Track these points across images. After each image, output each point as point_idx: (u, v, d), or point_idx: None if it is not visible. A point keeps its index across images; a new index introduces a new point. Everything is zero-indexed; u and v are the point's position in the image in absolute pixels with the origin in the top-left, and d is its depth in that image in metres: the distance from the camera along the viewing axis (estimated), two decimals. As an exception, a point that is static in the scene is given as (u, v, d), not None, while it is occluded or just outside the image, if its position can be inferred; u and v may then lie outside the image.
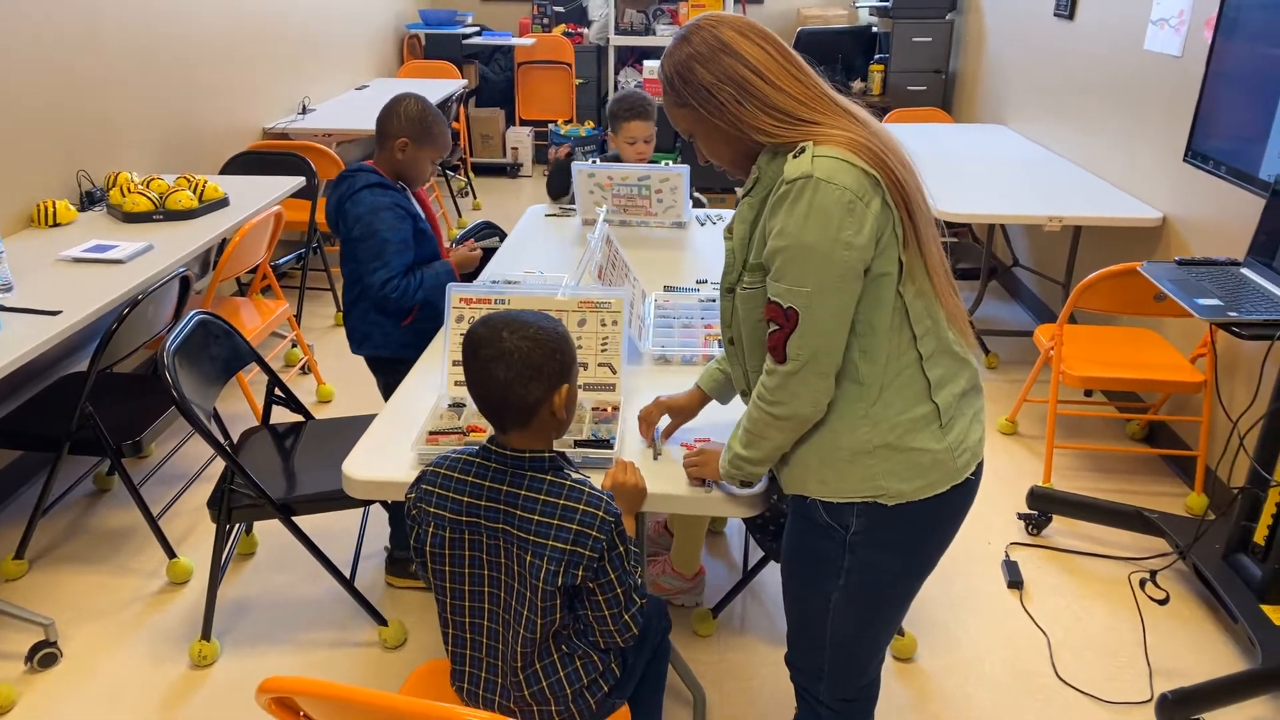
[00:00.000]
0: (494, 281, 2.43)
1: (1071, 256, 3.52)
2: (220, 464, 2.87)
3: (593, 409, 1.78)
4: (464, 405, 1.80)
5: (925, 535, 1.45)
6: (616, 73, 6.86)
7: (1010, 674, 2.21)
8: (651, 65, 5.88)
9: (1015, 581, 2.50)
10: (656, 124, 2.97)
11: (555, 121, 6.80)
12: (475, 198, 6.09)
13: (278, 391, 2.47)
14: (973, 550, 2.65)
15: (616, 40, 6.73)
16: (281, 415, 2.46)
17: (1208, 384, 2.76)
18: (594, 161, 2.92)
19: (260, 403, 2.52)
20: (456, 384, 1.84)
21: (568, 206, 3.16)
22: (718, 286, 2.46)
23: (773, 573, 2.41)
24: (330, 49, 5.25)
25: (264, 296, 3.41)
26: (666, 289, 2.45)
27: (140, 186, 3.04)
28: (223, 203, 3.12)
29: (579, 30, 6.97)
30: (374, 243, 2.21)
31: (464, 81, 5.99)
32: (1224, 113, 2.27)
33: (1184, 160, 2.44)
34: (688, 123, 1.40)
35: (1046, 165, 3.87)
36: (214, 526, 2.16)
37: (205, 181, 3.10)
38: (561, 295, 1.87)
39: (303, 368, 3.62)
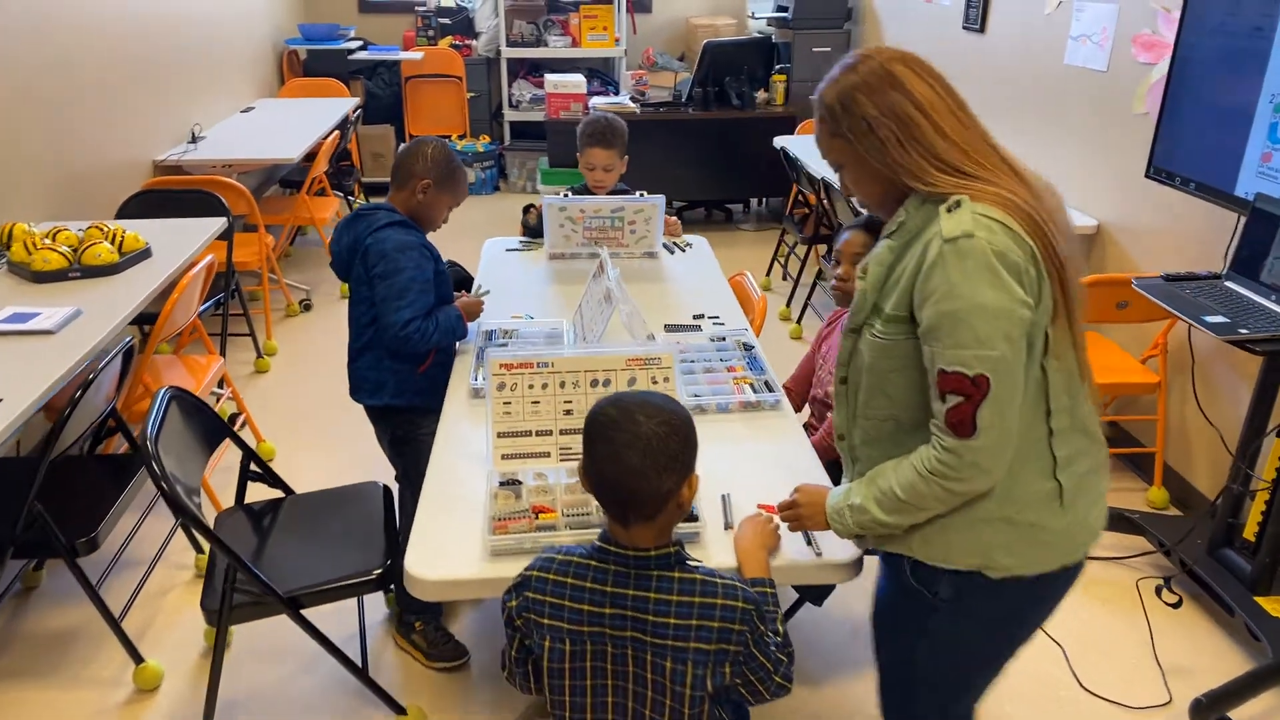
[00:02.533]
0: (489, 331, 2.28)
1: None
2: (180, 544, 2.61)
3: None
4: (519, 483, 1.66)
5: (1022, 611, 1.42)
6: (510, 85, 6.70)
7: (1038, 687, 2.26)
8: (553, 79, 5.76)
9: (1017, 592, 2.55)
10: (627, 155, 2.89)
11: (449, 136, 6.56)
12: (376, 221, 5.80)
13: (253, 467, 2.24)
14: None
15: (508, 52, 6.56)
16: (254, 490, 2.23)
17: (1161, 384, 2.92)
18: (565, 194, 2.80)
19: (209, 480, 2.28)
20: (504, 458, 1.71)
21: (530, 240, 3.03)
22: (718, 322, 2.42)
23: (808, 614, 2.38)
24: (210, 70, 4.86)
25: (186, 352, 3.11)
26: (669, 328, 2.37)
27: (46, 240, 2.70)
28: (145, 254, 2.82)
29: (467, 42, 6.76)
30: (399, 280, 2.08)
31: (357, 99, 5.69)
32: (1189, 129, 2.39)
33: (1146, 175, 2.56)
34: (838, 154, 1.35)
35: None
36: (175, 616, 1.93)
37: (122, 231, 2.78)
38: (600, 350, 1.76)
39: (239, 425, 3.32)
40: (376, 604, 2.47)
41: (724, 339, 2.28)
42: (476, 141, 6.56)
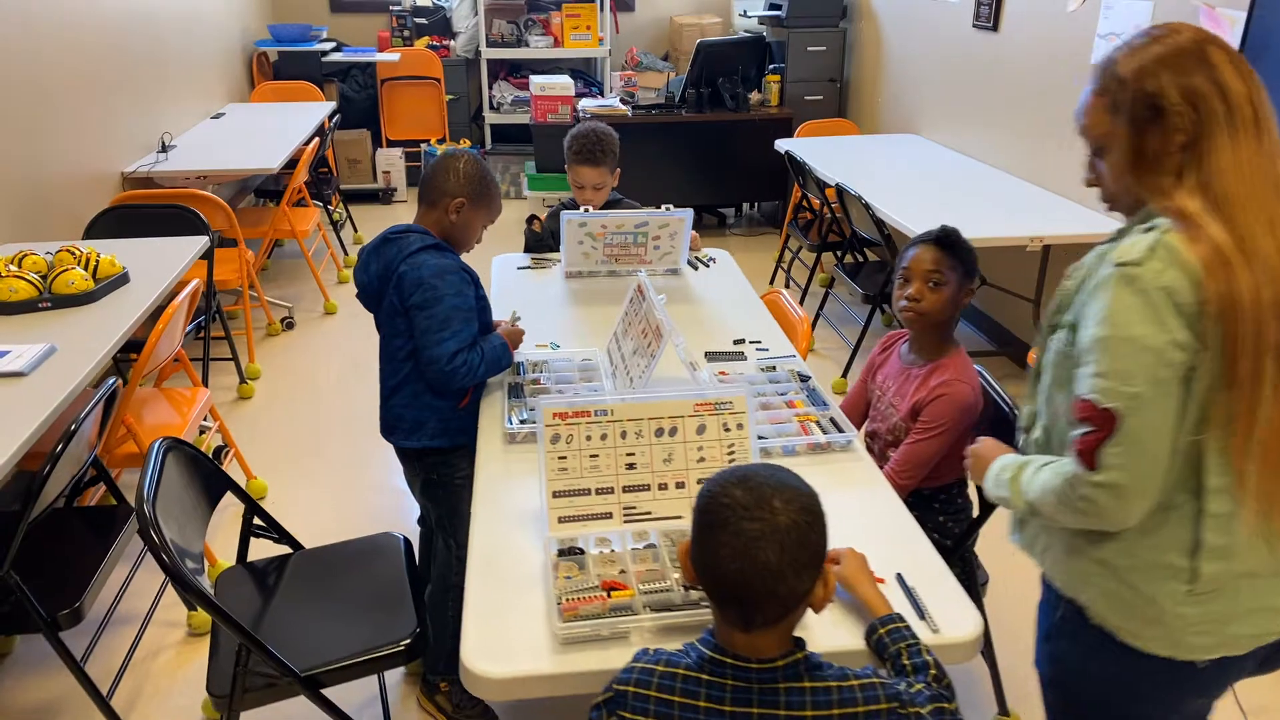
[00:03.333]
0: (518, 363, 2.07)
1: (1041, 274, 3.52)
2: (171, 598, 2.38)
3: (738, 537, 1.49)
4: (580, 551, 1.46)
5: (1120, 677, 1.29)
6: (490, 87, 6.46)
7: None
8: (539, 80, 5.53)
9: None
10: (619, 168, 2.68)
11: (428, 140, 6.32)
12: (356, 230, 5.54)
13: (257, 521, 2.01)
14: (1021, 600, 2.54)
15: (489, 53, 6.33)
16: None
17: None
18: (586, 210, 2.59)
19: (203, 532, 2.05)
20: (561, 521, 1.50)
21: (541, 258, 2.82)
22: (762, 348, 2.23)
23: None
24: (178, 75, 4.58)
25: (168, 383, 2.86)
26: (710, 356, 2.17)
27: (12, 266, 2.44)
28: (122, 279, 2.57)
29: (444, 43, 6.51)
30: (441, 309, 1.87)
31: (333, 104, 5.43)
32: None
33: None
34: (1104, 130, 1.20)
35: (987, 179, 3.87)
36: (168, 682, 1.72)
37: (96, 254, 2.53)
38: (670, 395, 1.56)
39: (226, 460, 3.08)
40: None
41: (774, 368, 2.09)
42: (457, 145, 6.31)
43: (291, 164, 4.17)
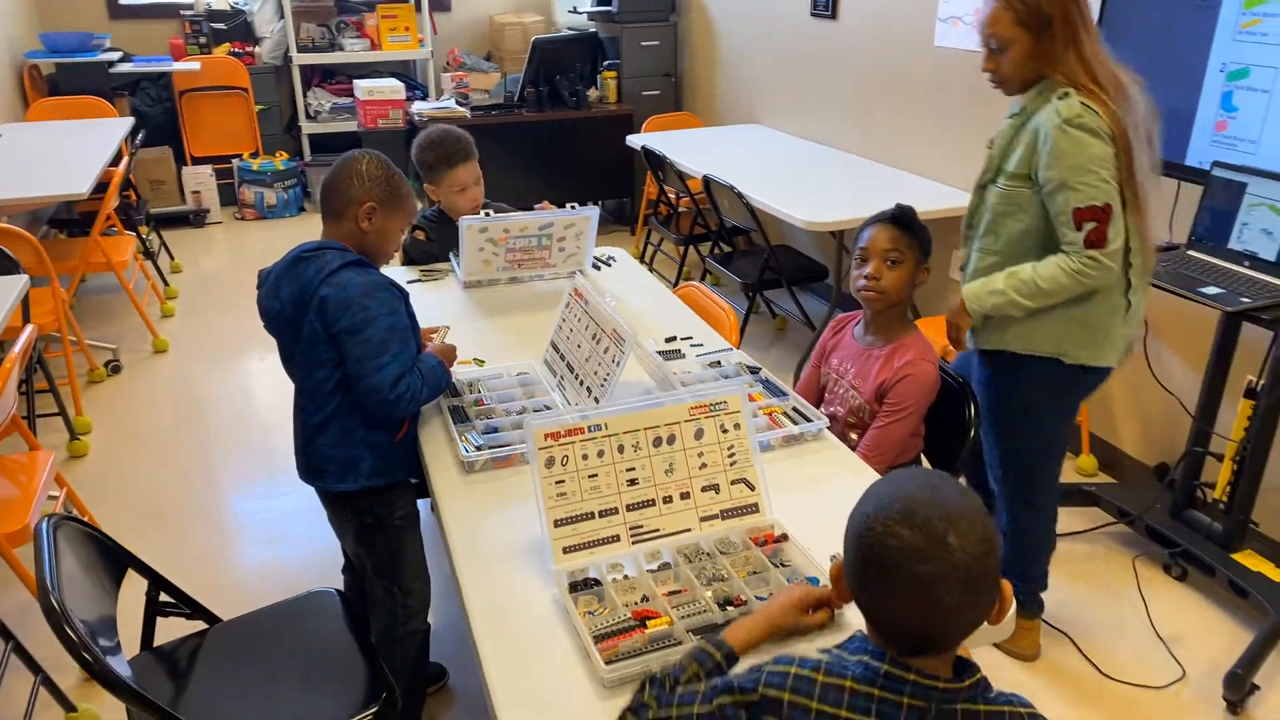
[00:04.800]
0: (453, 384, 1.89)
1: (909, 249, 3.65)
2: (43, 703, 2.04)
3: (754, 542, 1.41)
4: (597, 583, 1.33)
5: (1078, 389, 2.04)
6: (305, 94, 6.03)
7: (1066, 684, 2.20)
8: (366, 85, 5.20)
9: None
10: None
11: (240, 155, 5.82)
12: (173, 258, 5.01)
13: (164, 597, 1.73)
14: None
15: (300, 58, 5.90)
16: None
17: (1081, 354, 2.98)
18: (487, 214, 2.42)
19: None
20: (566, 551, 1.37)
21: (431, 270, 2.62)
22: (696, 344, 2.16)
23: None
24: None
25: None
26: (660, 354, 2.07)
27: None
28: (-67, 333, 2.15)
29: (248, 49, 6.01)
30: (376, 332, 1.67)
31: (131, 120, 4.86)
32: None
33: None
34: (1010, 38, 1.82)
35: (838, 163, 3.99)
36: None
37: (-104, 306, 2.11)
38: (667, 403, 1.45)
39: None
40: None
41: (719, 363, 2.02)
42: (274, 159, 5.85)
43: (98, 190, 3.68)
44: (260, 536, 2.72)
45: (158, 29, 6.01)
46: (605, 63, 5.57)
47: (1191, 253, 2.24)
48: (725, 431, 1.48)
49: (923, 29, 3.55)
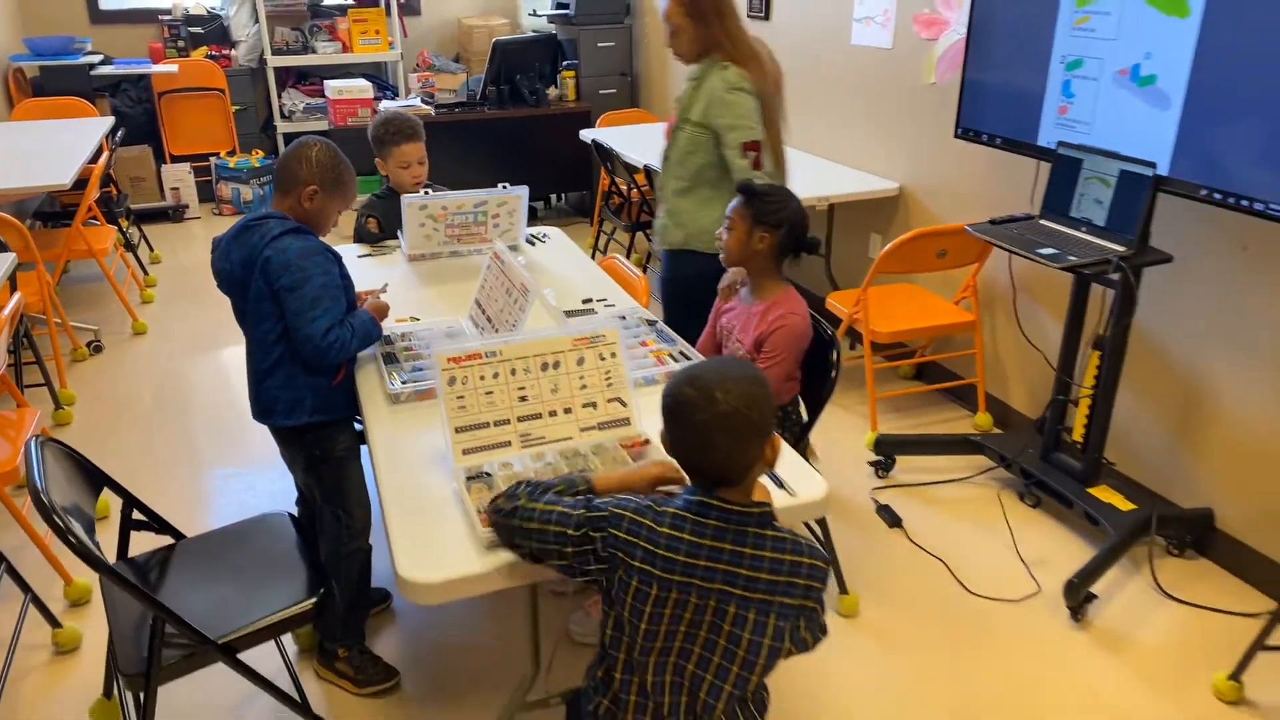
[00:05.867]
0: (386, 337, 2.19)
1: (829, 232, 3.98)
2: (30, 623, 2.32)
3: (623, 447, 1.72)
4: (488, 474, 1.63)
5: (700, 275, 2.56)
6: (279, 95, 6.31)
7: (935, 600, 2.51)
8: (335, 84, 5.49)
9: (895, 521, 2.81)
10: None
11: (218, 154, 6.09)
12: (152, 249, 5.28)
13: (136, 515, 2.02)
14: (847, 504, 2.93)
15: (274, 61, 6.18)
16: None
17: (976, 322, 3.30)
18: (426, 193, 2.72)
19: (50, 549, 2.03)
20: (466, 453, 1.67)
21: (381, 246, 2.91)
22: (609, 304, 2.47)
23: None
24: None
25: (-7, 407, 2.71)
26: (569, 314, 2.38)
27: None
28: (-68, 299, 2.43)
29: (225, 52, 6.29)
30: (310, 288, 1.95)
31: (112, 119, 5.14)
32: (990, 92, 2.73)
33: (955, 136, 2.89)
34: (681, 25, 2.54)
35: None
36: (40, 702, 1.71)
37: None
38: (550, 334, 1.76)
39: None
40: (288, 643, 2.30)
41: (624, 317, 2.33)
42: (250, 157, 6.13)
43: (73, 185, 3.95)
44: (229, 499, 3.01)
45: (137, 33, 6.28)
46: (564, 63, 5.88)
47: (1042, 221, 2.56)
48: (603, 359, 1.78)
49: (841, 29, 3.87)
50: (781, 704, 2.13)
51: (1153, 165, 2.25)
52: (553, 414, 1.74)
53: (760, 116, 2.52)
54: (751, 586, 1.29)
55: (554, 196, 6.31)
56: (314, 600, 1.87)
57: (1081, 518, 2.69)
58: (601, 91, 5.84)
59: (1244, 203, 2.08)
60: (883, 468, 3.06)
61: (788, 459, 1.74)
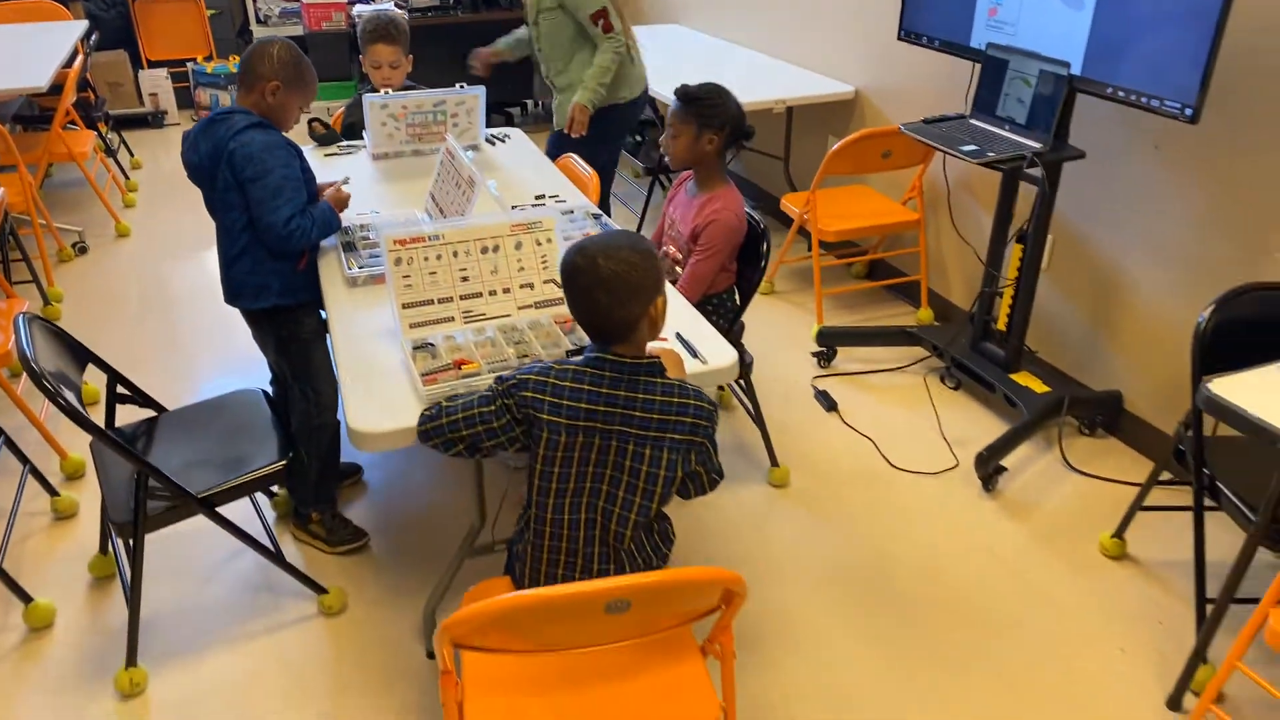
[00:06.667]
0: (346, 228, 2.35)
1: (787, 135, 4.09)
2: (30, 493, 2.52)
3: (556, 323, 1.90)
4: (432, 345, 1.82)
5: (628, 121, 3.42)
6: (254, -1, 6.28)
7: (862, 473, 2.74)
8: (308, -12, 5.48)
9: (831, 405, 3.03)
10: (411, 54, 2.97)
11: (195, 59, 6.11)
12: (132, 154, 5.37)
13: (120, 389, 2.21)
14: (789, 391, 3.14)
15: (248, -38, 6.13)
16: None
17: (921, 221, 3.46)
18: (386, 93, 2.84)
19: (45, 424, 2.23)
20: (412, 326, 1.85)
21: (350, 144, 3.04)
22: (559, 200, 2.62)
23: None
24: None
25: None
26: (514, 208, 2.53)
27: None
28: (-80, 193, 2.58)
29: (197, -47, 6.22)
30: (272, 179, 2.10)
31: (86, 22, 5.16)
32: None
33: (898, 38, 2.99)
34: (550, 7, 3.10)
35: (739, 58, 4.38)
36: (46, 559, 1.99)
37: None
38: (493, 220, 1.92)
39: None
40: (266, 510, 2.53)
41: (571, 211, 2.49)
42: (227, 62, 6.14)
43: (51, 90, 4.03)
44: (209, 371, 3.21)
45: (108, -67, 6.21)
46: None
47: (972, 120, 2.70)
48: (540, 245, 1.95)
49: (804, -70, 3.90)
50: (717, 556, 2.38)
51: (1067, 65, 2.38)
52: (492, 293, 1.92)
53: None
54: (645, 425, 1.50)
55: (529, 102, 6.35)
56: (284, 462, 2.08)
57: (1004, 401, 2.90)
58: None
59: (1144, 100, 2.22)
60: (825, 358, 3.26)
61: (708, 334, 1.93)
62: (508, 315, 1.92)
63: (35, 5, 5.35)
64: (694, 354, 1.84)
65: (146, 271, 4.03)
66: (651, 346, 1.73)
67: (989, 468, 2.61)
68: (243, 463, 2.08)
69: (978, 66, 2.68)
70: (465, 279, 1.90)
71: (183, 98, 6.19)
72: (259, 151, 2.12)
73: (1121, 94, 2.28)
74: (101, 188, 4.57)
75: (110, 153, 5.03)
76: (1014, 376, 2.88)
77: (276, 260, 2.23)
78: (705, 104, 2.36)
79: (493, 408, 1.53)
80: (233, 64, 6.12)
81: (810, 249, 3.55)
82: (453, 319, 1.88)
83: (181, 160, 2.24)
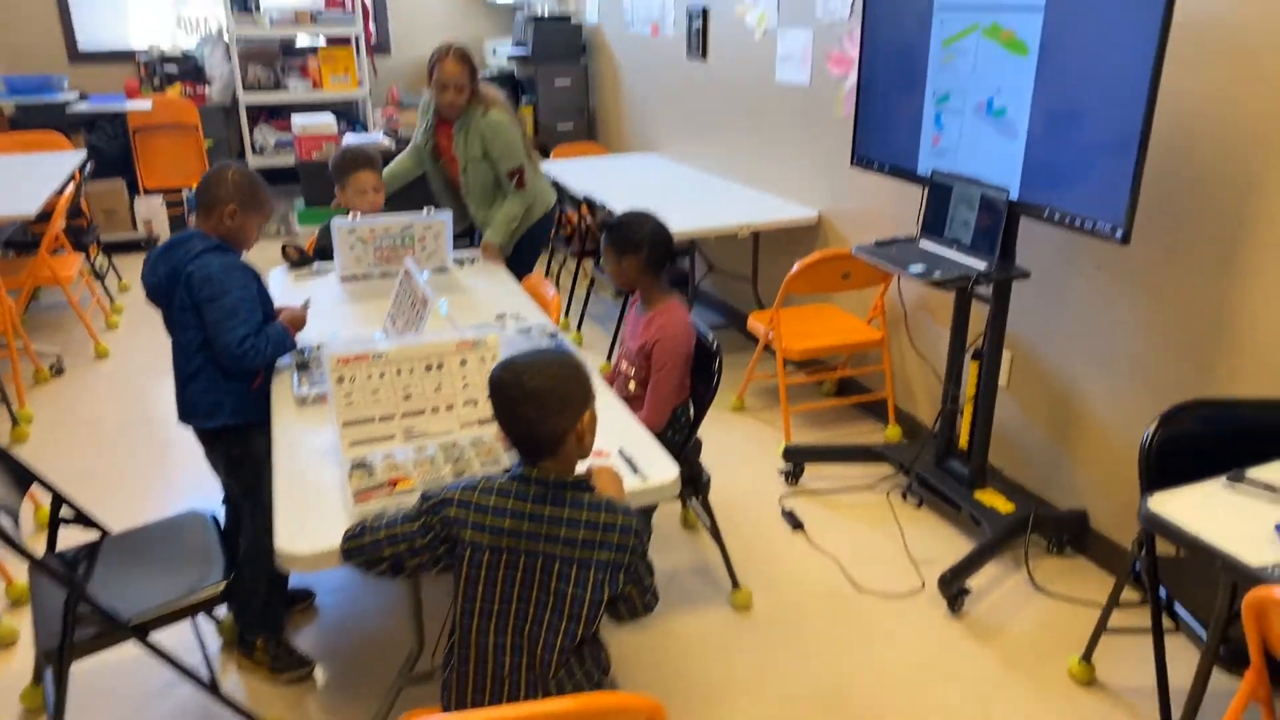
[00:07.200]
0: (302, 349, 2.38)
1: (755, 257, 4.19)
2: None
3: (499, 440, 1.90)
4: (369, 463, 1.81)
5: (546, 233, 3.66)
6: (251, 131, 6.55)
7: (827, 595, 2.68)
8: (301, 121, 5.73)
9: (797, 524, 2.99)
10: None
11: (189, 187, 6.31)
12: (121, 278, 5.48)
13: (64, 512, 2.19)
14: (757, 509, 3.10)
15: (246, 98, 6.42)
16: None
17: (884, 339, 3.51)
18: (354, 217, 2.92)
19: None
20: (352, 444, 1.85)
21: (324, 266, 3.11)
22: (519, 319, 2.66)
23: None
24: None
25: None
26: (482, 327, 2.57)
27: None
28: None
29: (199, 90, 6.54)
30: (228, 301, 2.15)
31: (84, 151, 5.36)
32: (878, 124, 2.96)
33: (851, 165, 3.11)
34: (465, 81, 3.25)
35: (710, 185, 4.54)
36: None
37: None
38: (437, 339, 1.95)
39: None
40: (210, 637, 2.46)
41: (529, 330, 2.52)
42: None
43: (45, 216, 4.16)
44: (169, 493, 3.18)
45: (115, 71, 6.55)
46: (523, 98, 6.14)
47: (922, 242, 2.77)
48: (484, 362, 1.97)
49: (767, 67, 4.11)
50: (675, 681, 2.30)
51: (1006, 190, 2.46)
52: (435, 410, 1.92)
53: (521, 145, 3.35)
54: (570, 544, 1.47)
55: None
56: (223, 585, 2.04)
57: (968, 519, 2.87)
58: (560, 126, 6.09)
59: (1079, 222, 2.29)
60: (792, 476, 3.24)
61: (651, 449, 1.93)
62: (450, 432, 1.92)
63: (39, 137, 5.58)
64: (634, 469, 1.83)
65: (120, 393, 4.05)
66: (592, 462, 1.73)
67: (953, 589, 2.56)
68: (181, 587, 2.03)
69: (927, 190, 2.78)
70: (408, 396, 1.91)
71: (177, 224, 6.36)
72: (216, 274, 2.18)
73: (1058, 216, 2.35)
74: (86, 309, 4.64)
75: (99, 276, 5.13)
76: (978, 495, 2.86)
77: (230, 380, 2.25)
78: (619, 231, 2.47)
79: (416, 525, 1.51)
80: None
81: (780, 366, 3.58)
82: (394, 436, 1.88)
83: (141, 282, 2.29)
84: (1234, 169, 2.24)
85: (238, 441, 2.30)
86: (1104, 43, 2.15)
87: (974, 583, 2.64)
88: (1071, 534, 2.82)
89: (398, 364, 1.91)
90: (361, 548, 1.55)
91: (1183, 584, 1.97)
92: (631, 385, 2.48)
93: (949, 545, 2.88)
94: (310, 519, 1.68)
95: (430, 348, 1.94)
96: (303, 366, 2.29)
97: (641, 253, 2.43)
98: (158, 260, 2.24)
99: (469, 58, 3.24)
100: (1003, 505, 2.80)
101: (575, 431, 1.50)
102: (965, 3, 2.55)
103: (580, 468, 1.70)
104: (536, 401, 1.45)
